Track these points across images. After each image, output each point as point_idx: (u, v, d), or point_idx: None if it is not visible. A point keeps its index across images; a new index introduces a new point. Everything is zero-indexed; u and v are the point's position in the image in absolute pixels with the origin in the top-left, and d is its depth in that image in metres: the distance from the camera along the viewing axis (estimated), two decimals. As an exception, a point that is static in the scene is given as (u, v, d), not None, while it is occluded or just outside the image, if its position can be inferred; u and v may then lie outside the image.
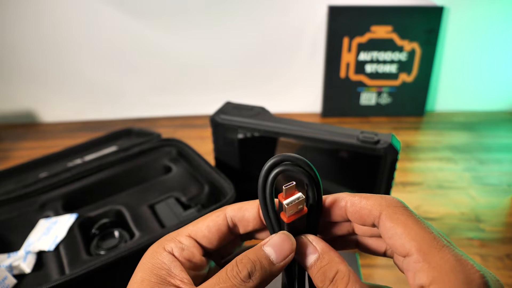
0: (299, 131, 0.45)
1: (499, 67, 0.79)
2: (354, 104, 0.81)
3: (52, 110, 0.83)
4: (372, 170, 0.43)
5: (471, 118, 0.81)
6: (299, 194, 0.21)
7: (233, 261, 0.21)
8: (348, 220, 0.23)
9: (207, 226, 0.23)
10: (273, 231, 0.22)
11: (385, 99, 0.81)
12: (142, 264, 0.22)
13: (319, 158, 0.47)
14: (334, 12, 0.73)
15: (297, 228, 0.22)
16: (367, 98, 0.81)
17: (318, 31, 0.77)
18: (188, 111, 0.84)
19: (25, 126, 0.83)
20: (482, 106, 0.83)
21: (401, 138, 0.72)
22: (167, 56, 0.79)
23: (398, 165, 0.44)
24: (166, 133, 0.70)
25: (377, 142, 0.41)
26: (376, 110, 0.82)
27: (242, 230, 0.24)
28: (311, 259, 0.21)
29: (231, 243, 0.25)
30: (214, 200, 0.48)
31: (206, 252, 0.24)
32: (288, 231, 0.21)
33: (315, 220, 0.22)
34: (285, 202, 0.21)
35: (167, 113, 0.85)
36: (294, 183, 0.21)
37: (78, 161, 0.57)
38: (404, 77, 0.78)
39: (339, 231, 0.24)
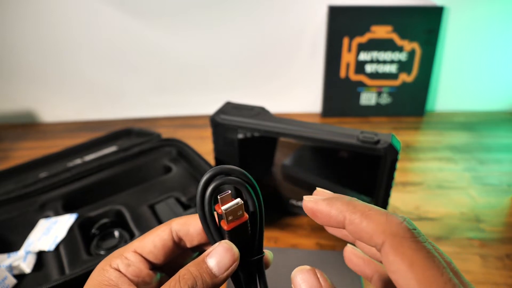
0: (299, 131, 0.45)
1: (499, 67, 0.79)
2: (354, 104, 0.81)
3: (52, 110, 0.83)
4: (372, 170, 0.43)
5: (471, 118, 0.81)
6: (237, 200, 0.21)
7: (176, 276, 0.21)
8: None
9: (152, 241, 0.23)
10: (214, 242, 0.22)
11: (385, 99, 0.81)
12: (89, 282, 0.23)
13: (319, 158, 0.47)
14: (334, 12, 0.73)
15: (241, 236, 0.22)
16: (367, 98, 0.81)
17: (318, 31, 0.77)
18: (188, 111, 0.84)
19: (25, 126, 0.83)
20: (482, 106, 0.83)
21: (401, 138, 0.72)
22: (167, 56, 0.79)
23: (398, 165, 0.44)
24: (166, 133, 0.70)
25: (377, 142, 0.41)
26: (376, 110, 0.82)
27: (188, 244, 0.24)
28: None
29: (181, 255, 0.25)
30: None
31: (155, 266, 0.24)
32: (230, 239, 0.21)
33: (259, 226, 0.22)
34: (223, 207, 0.20)
35: (167, 113, 0.85)
36: (229, 191, 0.21)
37: (78, 161, 0.57)
38: (404, 77, 0.78)
39: (338, 233, 0.23)
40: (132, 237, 0.43)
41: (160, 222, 0.44)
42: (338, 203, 0.20)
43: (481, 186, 0.59)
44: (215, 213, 0.21)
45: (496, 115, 0.82)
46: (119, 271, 0.22)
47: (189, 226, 0.23)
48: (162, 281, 0.24)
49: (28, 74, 0.79)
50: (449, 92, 0.83)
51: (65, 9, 0.73)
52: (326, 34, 0.75)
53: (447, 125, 0.78)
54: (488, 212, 0.54)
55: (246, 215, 0.21)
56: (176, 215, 0.45)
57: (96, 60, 0.78)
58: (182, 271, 0.21)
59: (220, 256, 0.21)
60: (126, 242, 0.43)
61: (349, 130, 0.44)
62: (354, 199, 0.20)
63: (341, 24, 0.74)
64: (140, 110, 0.84)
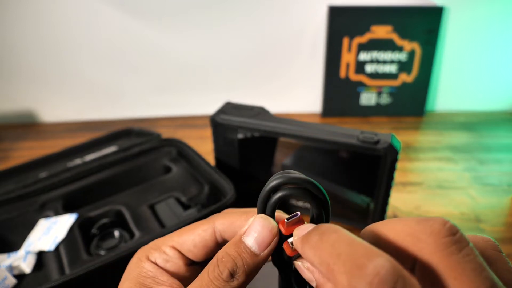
0: (299, 131, 0.45)
1: (499, 67, 0.79)
2: (354, 104, 0.81)
3: (52, 110, 0.83)
4: (372, 170, 0.43)
5: (471, 118, 0.81)
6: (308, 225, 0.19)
7: (214, 260, 0.19)
8: None
9: (193, 241, 0.22)
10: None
11: (385, 99, 0.81)
12: (127, 273, 0.22)
13: (319, 158, 0.47)
14: (334, 12, 0.73)
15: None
16: (367, 98, 0.81)
17: (318, 31, 0.77)
18: (188, 111, 0.84)
19: (25, 126, 0.83)
20: (482, 106, 0.83)
21: (401, 138, 0.72)
22: (167, 56, 0.79)
23: (398, 165, 0.44)
24: (166, 133, 0.70)
25: (377, 142, 0.41)
26: (376, 110, 0.82)
27: None
28: (312, 284, 0.18)
29: None
30: (214, 200, 0.48)
31: (194, 262, 0.23)
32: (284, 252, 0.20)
33: None
34: (289, 240, 0.19)
35: (167, 113, 0.85)
36: (299, 214, 0.19)
37: (78, 161, 0.57)
38: (404, 77, 0.78)
39: None
40: (132, 237, 0.43)
41: (160, 222, 0.44)
42: (318, 251, 0.17)
43: (481, 186, 0.59)
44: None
45: (496, 115, 0.82)
46: (157, 265, 0.22)
47: (236, 228, 0.22)
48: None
49: (28, 74, 0.79)
50: (449, 92, 0.83)
51: (65, 9, 0.73)
52: (326, 34, 0.75)
53: (447, 125, 0.78)
54: (488, 212, 0.54)
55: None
56: (176, 215, 0.45)
57: (96, 60, 0.78)
58: (219, 254, 0.19)
59: (257, 233, 0.19)
60: (126, 242, 0.43)
61: (349, 130, 0.44)
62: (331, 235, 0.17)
63: (341, 24, 0.74)
64: (140, 110, 0.84)
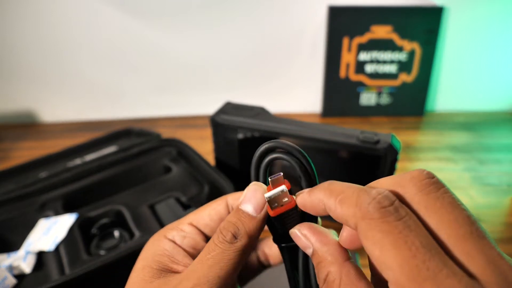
0: (299, 131, 0.45)
1: (499, 67, 0.79)
2: (354, 104, 0.81)
3: (52, 110, 0.83)
4: (372, 170, 0.43)
5: (471, 118, 0.81)
6: (282, 187, 0.21)
7: (217, 230, 0.21)
8: None
9: (209, 215, 0.24)
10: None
11: (385, 99, 0.81)
12: (143, 253, 0.23)
13: (319, 158, 0.47)
14: (334, 12, 0.73)
15: (290, 222, 0.21)
16: (367, 98, 0.81)
17: (318, 31, 0.77)
18: (188, 111, 0.84)
19: (25, 126, 0.83)
20: (482, 106, 0.83)
21: (401, 138, 0.72)
22: (167, 56, 0.79)
23: (398, 165, 0.44)
24: (166, 133, 0.70)
25: (377, 142, 0.41)
26: (376, 110, 0.82)
27: None
28: (308, 252, 0.20)
29: None
30: (214, 200, 0.48)
31: (208, 239, 0.24)
32: (279, 224, 0.21)
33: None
34: (266, 195, 0.21)
35: (167, 113, 0.85)
36: (281, 174, 0.21)
37: (78, 161, 0.57)
38: (404, 77, 0.78)
39: None
40: (132, 237, 0.43)
41: (160, 222, 0.44)
42: (317, 191, 0.19)
43: (481, 186, 0.59)
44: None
45: (496, 115, 0.82)
46: (175, 242, 0.23)
47: None
48: None
49: (28, 74, 0.79)
50: (449, 92, 0.83)
51: (65, 9, 0.73)
52: (326, 34, 0.75)
53: (447, 125, 0.78)
54: (488, 212, 0.54)
55: (294, 201, 0.21)
56: (176, 215, 0.45)
57: (96, 60, 0.78)
58: (222, 224, 0.21)
59: (252, 198, 0.21)
60: (126, 242, 0.43)
61: (349, 130, 0.44)
62: (334, 182, 0.19)
63: (341, 24, 0.74)
64: (140, 110, 0.84)
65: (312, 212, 0.20)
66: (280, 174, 0.21)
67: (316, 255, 0.19)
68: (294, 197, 0.21)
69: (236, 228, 0.21)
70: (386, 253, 0.15)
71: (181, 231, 0.23)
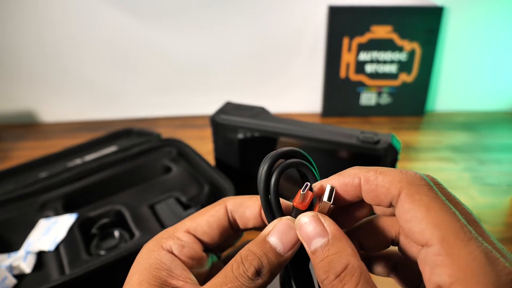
0: (299, 131, 0.45)
1: (499, 67, 0.79)
2: (354, 104, 0.81)
3: (52, 110, 0.83)
4: (372, 170, 0.43)
5: (471, 118, 0.81)
6: (329, 187, 0.20)
7: (238, 257, 0.19)
8: (358, 201, 0.20)
9: (207, 222, 0.22)
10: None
11: (385, 99, 0.81)
12: (138, 264, 0.20)
13: (319, 158, 0.47)
14: (334, 12, 0.73)
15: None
16: (367, 98, 0.81)
17: (318, 31, 0.77)
18: (188, 111, 0.84)
19: (25, 126, 0.82)
20: (482, 106, 0.83)
21: (401, 138, 0.72)
22: (167, 56, 0.79)
23: (398, 165, 0.44)
24: (166, 133, 0.70)
25: (377, 142, 0.41)
26: (376, 110, 0.82)
27: (241, 226, 0.23)
28: (317, 242, 0.18)
29: (233, 236, 0.24)
30: (214, 200, 0.47)
31: (207, 247, 0.22)
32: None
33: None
34: (325, 199, 0.19)
35: (167, 113, 0.85)
36: (309, 184, 0.20)
37: (78, 161, 0.57)
38: (404, 77, 0.78)
39: (350, 216, 0.21)
40: (132, 237, 0.43)
41: (160, 222, 0.44)
42: (351, 170, 0.19)
43: (481, 186, 0.59)
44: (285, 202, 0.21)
45: (496, 115, 0.81)
46: (172, 253, 0.21)
47: (245, 208, 0.22)
48: (214, 265, 0.23)
49: (28, 74, 0.79)
50: (449, 92, 0.83)
51: (65, 9, 0.73)
52: (326, 34, 0.75)
53: (447, 125, 0.78)
54: (488, 212, 0.54)
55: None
56: (176, 215, 0.45)
57: (96, 60, 0.78)
58: (243, 252, 0.19)
59: (283, 233, 0.19)
60: (126, 242, 0.43)
61: (349, 130, 0.44)
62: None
63: (341, 24, 0.74)
64: (140, 110, 0.84)
65: (342, 193, 0.19)
66: (307, 184, 0.20)
67: (332, 246, 0.18)
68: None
69: (260, 263, 0.18)
70: (434, 215, 0.16)
71: (178, 240, 0.21)
